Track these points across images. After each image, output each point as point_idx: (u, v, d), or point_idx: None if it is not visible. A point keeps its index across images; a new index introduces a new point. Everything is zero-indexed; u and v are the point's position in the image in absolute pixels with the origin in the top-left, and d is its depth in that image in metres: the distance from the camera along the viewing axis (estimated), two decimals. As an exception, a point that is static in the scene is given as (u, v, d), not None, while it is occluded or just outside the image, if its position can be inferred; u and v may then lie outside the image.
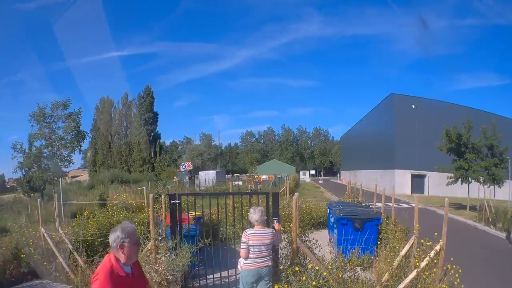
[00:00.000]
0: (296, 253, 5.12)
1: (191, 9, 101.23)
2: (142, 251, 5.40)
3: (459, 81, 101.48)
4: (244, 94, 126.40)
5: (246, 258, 4.05)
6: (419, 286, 4.84)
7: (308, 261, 5.17)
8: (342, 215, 7.94)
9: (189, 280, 5.79)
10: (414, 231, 5.37)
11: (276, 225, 4.53)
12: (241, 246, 4.07)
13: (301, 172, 72.68)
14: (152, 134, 55.42)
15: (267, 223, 4.45)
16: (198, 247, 5.52)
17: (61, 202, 12.00)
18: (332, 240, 8.75)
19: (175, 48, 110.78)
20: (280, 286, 4.61)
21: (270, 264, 4.17)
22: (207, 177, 33.35)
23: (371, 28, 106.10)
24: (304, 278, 4.65)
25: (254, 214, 4.11)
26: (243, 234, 4.12)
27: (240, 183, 30.52)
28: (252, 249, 4.02)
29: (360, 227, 7.69)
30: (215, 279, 5.95)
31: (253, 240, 4.02)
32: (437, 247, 4.90)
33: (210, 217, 7.72)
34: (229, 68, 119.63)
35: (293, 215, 5.35)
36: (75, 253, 6.29)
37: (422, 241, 5.24)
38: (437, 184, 29.26)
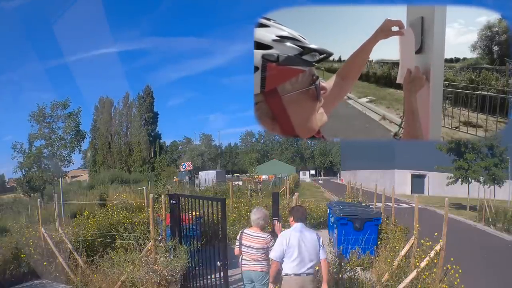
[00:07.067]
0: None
1: (180, 4, 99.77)
2: (141, 251, 5.40)
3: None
4: (242, 92, 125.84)
5: (239, 256, 4.12)
6: (419, 286, 4.85)
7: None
8: (342, 215, 7.93)
9: (188, 280, 5.78)
10: (414, 231, 5.37)
11: (277, 226, 4.31)
12: (236, 243, 4.18)
13: (301, 172, 72.57)
14: (152, 134, 55.34)
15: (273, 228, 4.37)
16: (197, 247, 5.51)
17: (61, 202, 11.99)
18: (332, 240, 8.76)
19: (167, 44, 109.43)
20: (279, 286, 4.61)
21: (258, 269, 4.02)
22: (207, 177, 33.31)
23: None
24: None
25: (253, 214, 4.11)
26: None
27: (240, 183, 30.50)
28: (243, 249, 4.04)
29: (360, 227, 7.68)
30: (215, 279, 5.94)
31: (244, 240, 4.04)
32: (437, 247, 4.90)
33: (209, 217, 7.70)
34: (223, 64, 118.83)
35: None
36: (75, 253, 6.30)
37: (422, 241, 5.24)
38: (437, 184, 29.24)
